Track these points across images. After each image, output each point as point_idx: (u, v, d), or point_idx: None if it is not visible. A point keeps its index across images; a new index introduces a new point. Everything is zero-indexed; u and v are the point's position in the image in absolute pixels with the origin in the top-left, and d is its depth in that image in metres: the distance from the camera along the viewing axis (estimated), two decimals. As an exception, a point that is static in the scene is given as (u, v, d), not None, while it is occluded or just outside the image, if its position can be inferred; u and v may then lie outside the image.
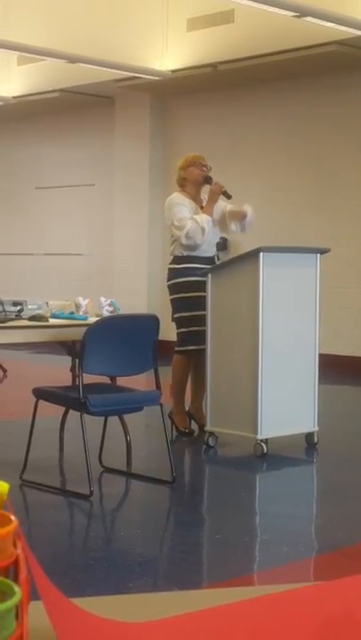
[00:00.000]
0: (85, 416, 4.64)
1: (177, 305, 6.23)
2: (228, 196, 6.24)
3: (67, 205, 12.93)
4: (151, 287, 11.55)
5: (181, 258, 6.20)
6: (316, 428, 5.94)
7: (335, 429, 6.73)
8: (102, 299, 5.58)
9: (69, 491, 4.79)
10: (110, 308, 5.53)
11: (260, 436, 5.60)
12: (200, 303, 5.93)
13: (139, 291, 11.62)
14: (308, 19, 8.13)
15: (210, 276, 5.83)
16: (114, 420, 5.41)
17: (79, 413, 4.66)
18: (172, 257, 6.31)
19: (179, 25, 10.24)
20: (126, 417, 5.46)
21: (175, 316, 6.25)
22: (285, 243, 9.03)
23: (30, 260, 13.36)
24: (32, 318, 5.16)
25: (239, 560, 3.79)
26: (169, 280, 6.30)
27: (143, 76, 10.44)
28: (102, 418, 5.18)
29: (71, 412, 5.34)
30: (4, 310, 5.10)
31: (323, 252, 6.01)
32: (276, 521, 4.37)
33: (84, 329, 4.73)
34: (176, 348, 6.27)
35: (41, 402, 4.89)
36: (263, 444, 5.60)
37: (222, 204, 6.35)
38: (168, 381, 6.05)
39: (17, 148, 13.56)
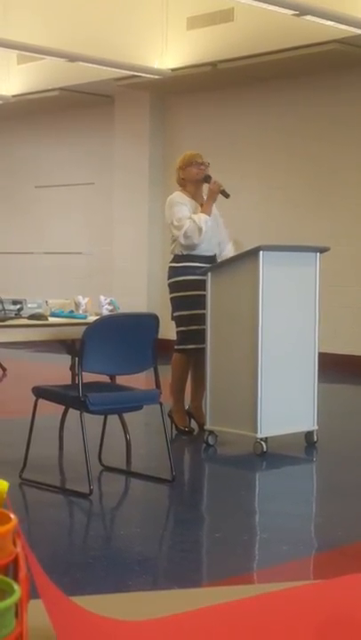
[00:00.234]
0: (85, 415, 4.64)
1: (177, 303, 6.23)
2: (227, 195, 6.23)
3: (66, 204, 12.92)
4: (151, 286, 11.55)
5: (181, 256, 6.21)
6: (316, 427, 5.94)
7: (335, 428, 6.74)
8: (102, 297, 5.58)
9: (69, 489, 4.79)
10: (110, 307, 5.53)
11: (259, 435, 5.60)
12: (200, 302, 5.93)
13: (138, 289, 11.62)
14: (308, 17, 8.13)
15: (209, 274, 5.83)
16: (113, 419, 5.41)
17: (79, 412, 4.66)
18: (172, 255, 6.31)
19: (178, 23, 10.24)
20: (126, 415, 5.46)
21: (175, 314, 6.25)
22: (285, 241, 9.02)
23: (30, 259, 13.36)
24: (32, 317, 5.16)
25: (239, 559, 3.79)
26: (169, 278, 6.31)
27: (143, 74, 10.43)
28: (102, 416, 5.19)
29: (71, 410, 5.34)
30: (3, 309, 5.10)
31: (322, 250, 6.01)
32: (276, 519, 4.37)
33: (84, 328, 4.73)
34: (176, 347, 6.27)
35: (41, 400, 4.89)
36: (263, 443, 5.60)
37: (220, 220, 6.35)
38: (168, 380, 6.05)
39: (16, 147, 13.56)
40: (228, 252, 6.27)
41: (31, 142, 13.34)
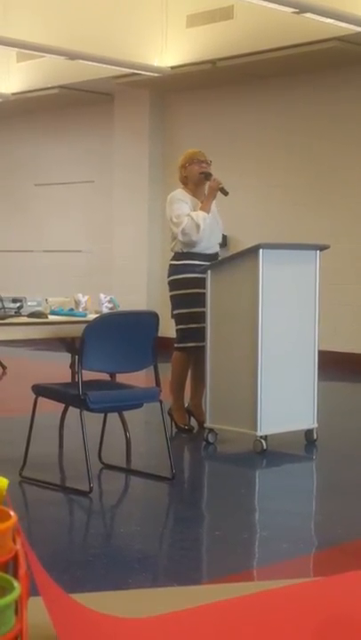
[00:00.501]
0: (85, 413, 4.64)
1: (177, 301, 6.24)
2: (226, 193, 6.24)
3: (66, 202, 12.92)
4: (151, 284, 11.55)
5: (182, 254, 6.21)
6: (316, 425, 5.94)
7: (335, 426, 6.74)
8: (102, 295, 5.58)
9: (69, 487, 4.79)
10: (110, 305, 5.53)
11: (259, 433, 5.60)
12: (200, 300, 5.93)
13: (138, 287, 11.61)
14: (308, 15, 8.12)
15: (209, 272, 5.83)
16: (113, 417, 5.41)
17: (79, 410, 4.66)
18: (172, 253, 6.31)
19: (178, 21, 10.23)
20: (126, 414, 5.46)
21: (175, 312, 6.25)
22: (285, 239, 9.03)
23: (30, 257, 13.36)
24: (31, 315, 5.16)
25: (239, 557, 3.79)
26: (169, 276, 6.31)
27: (143, 72, 10.43)
28: (102, 414, 5.19)
29: (71, 408, 5.33)
30: (3, 307, 5.10)
31: (322, 248, 6.01)
32: (276, 517, 4.37)
33: (84, 326, 4.73)
34: (176, 345, 6.27)
35: (40, 398, 4.89)
36: (263, 441, 5.61)
37: (220, 222, 6.35)
38: (168, 378, 6.06)
39: (16, 145, 13.56)
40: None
41: (31, 140, 13.33)
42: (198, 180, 6.29)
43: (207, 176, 6.27)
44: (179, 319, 6.24)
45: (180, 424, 6.28)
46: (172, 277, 6.27)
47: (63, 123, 12.87)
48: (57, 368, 7.03)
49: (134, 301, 10.37)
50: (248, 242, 5.96)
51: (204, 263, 6.01)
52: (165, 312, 6.17)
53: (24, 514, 4.34)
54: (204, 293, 5.87)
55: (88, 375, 4.79)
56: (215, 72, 10.22)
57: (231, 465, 5.59)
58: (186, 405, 6.38)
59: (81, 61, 10.11)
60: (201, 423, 6.16)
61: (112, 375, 5.28)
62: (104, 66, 10.20)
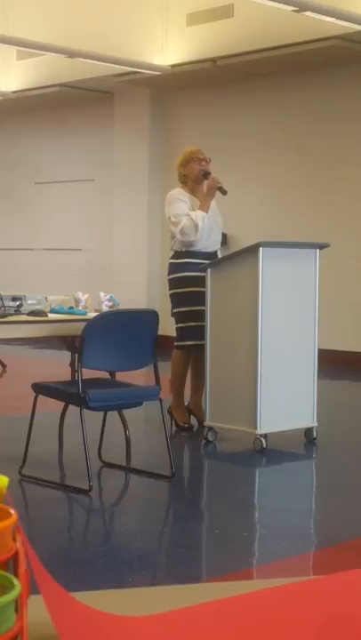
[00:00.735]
0: (85, 411, 4.64)
1: (176, 300, 6.24)
2: (224, 192, 6.23)
3: (66, 200, 12.92)
4: (150, 282, 11.55)
5: (181, 253, 6.21)
6: (316, 424, 5.95)
7: (334, 425, 6.74)
8: (101, 294, 5.58)
9: (69, 486, 4.79)
10: (109, 303, 5.53)
11: (259, 431, 5.60)
12: (199, 298, 5.93)
13: (138, 286, 11.62)
14: (308, 13, 8.12)
15: (209, 271, 5.83)
16: (113, 415, 5.41)
17: (79, 408, 4.66)
18: (172, 252, 6.31)
19: (178, 20, 10.23)
20: (126, 412, 5.46)
21: (175, 310, 6.26)
22: (285, 238, 9.04)
23: (29, 255, 13.36)
24: (31, 313, 5.16)
25: (238, 555, 3.79)
26: (169, 275, 6.31)
27: (143, 70, 10.42)
28: (102, 413, 5.19)
29: (71, 407, 5.34)
30: (3, 305, 5.09)
31: (322, 247, 6.01)
32: (276, 516, 4.37)
33: (84, 324, 4.73)
34: (175, 343, 6.27)
35: (40, 397, 4.89)
36: (262, 439, 5.61)
37: (220, 220, 6.35)
38: (167, 376, 6.06)
39: (16, 143, 13.55)
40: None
41: (31, 139, 13.33)
42: (197, 179, 6.28)
43: (206, 175, 6.27)
44: (179, 317, 6.24)
45: (180, 422, 6.29)
46: (171, 276, 6.27)
47: (63, 121, 12.86)
48: (57, 366, 7.03)
49: (134, 300, 10.38)
50: (248, 240, 5.96)
51: (204, 261, 6.01)
52: (165, 310, 6.17)
53: (24, 512, 4.34)
54: (203, 292, 5.87)
55: (88, 373, 4.79)
56: (215, 70, 10.22)
57: (231, 463, 5.59)
58: (186, 404, 6.38)
59: (81, 59, 10.10)
60: (201, 421, 6.16)
61: (112, 373, 5.28)
62: (104, 64, 10.20)
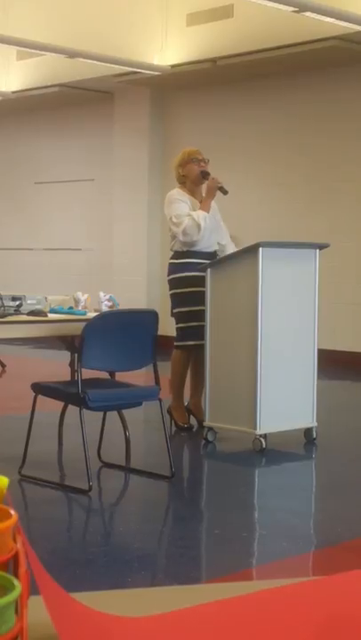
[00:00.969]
0: (84, 411, 4.64)
1: (176, 300, 6.24)
2: (225, 192, 6.23)
3: (66, 200, 12.92)
4: (150, 282, 11.55)
5: (181, 253, 6.21)
6: (315, 424, 5.95)
7: (334, 425, 6.74)
8: (101, 294, 5.58)
9: (68, 486, 4.79)
10: (109, 303, 5.53)
11: (258, 432, 5.60)
12: (199, 298, 5.93)
13: (138, 286, 11.61)
14: (308, 14, 8.12)
15: (209, 271, 5.83)
16: (113, 415, 5.41)
17: (78, 408, 4.66)
18: (172, 252, 6.31)
19: (178, 20, 10.23)
20: (125, 412, 5.46)
21: (175, 310, 6.26)
22: (285, 238, 9.03)
23: (29, 255, 13.36)
24: (31, 313, 5.16)
25: (238, 555, 3.79)
26: (169, 275, 6.31)
27: (143, 71, 10.42)
28: (101, 413, 5.19)
29: (70, 407, 5.34)
30: (2, 305, 5.09)
31: (322, 247, 6.01)
32: (275, 516, 4.37)
33: (83, 324, 4.73)
34: (175, 343, 6.27)
35: (40, 397, 4.89)
36: (262, 440, 5.61)
37: (219, 216, 6.34)
38: (167, 376, 6.06)
39: (16, 143, 13.55)
40: (232, 250, 6.24)
41: (31, 138, 13.33)
42: (197, 179, 6.28)
43: (205, 175, 6.27)
44: (178, 318, 6.24)
45: (180, 422, 6.29)
46: (171, 276, 6.27)
47: (63, 121, 12.86)
48: (56, 366, 7.03)
49: (134, 300, 10.37)
50: (248, 240, 5.95)
51: (204, 261, 6.01)
52: (165, 310, 6.17)
53: (23, 512, 4.34)
54: (203, 292, 5.87)
55: (87, 373, 4.79)
56: (215, 71, 10.22)
57: (231, 463, 5.59)
58: (185, 404, 6.38)
59: (81, 59, 10.10)
60: (200, 422, 6.16)
61: (111, 373, 5.28)
62: (104, 64, 10.20)
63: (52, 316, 5.23)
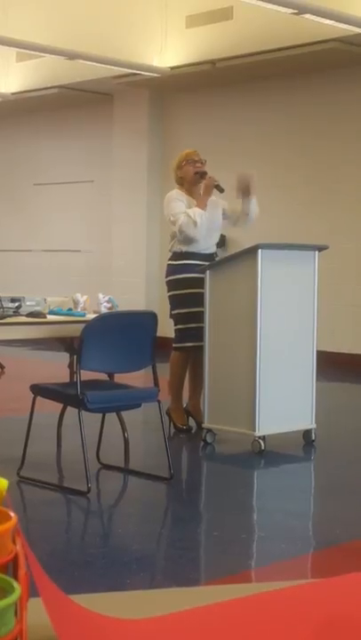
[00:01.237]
0: (83, 413, 4.64)
1: (175, 301, 6.24)
2: (221, 190, 6.24)
3: (65, 202, 12.92)
4: (149, 284, 11.55)
5: (180, 254, 6.21)
6: (314, 425, 5.95)
7: (333, 426, 6.74)
8: (100, 295, 5.58)
9: (67, 487, 4.79)
10: (108, 305, 5.53)
11: (257, 433, 5.60)
12: (198, 300, 5.93)
13: (137, 287, 11.61)
14: (307, 16, 8.13)
15: (208, 272, 5.83)
16: (112, 417, 5.41)
17: (77, 410, 4.66)
18: (170, 253, 6.32)
19: (178, 22, 10.23)
20: (124, 413, 5.46)
21: (173, 312, 6.26)
22: (284, 239, 9.02)
23: (28, 257, 13.36)
24: (30, 315, 5.15)
25: (237, 557, 3.79)
26: (167, 276, 6.31)
27: (142, 72, 10.43)
28: (100, 414, 5.19)
29: (69, 408, 5.33)
30: (1, 306, 5.09)
31: (321, 248, 6.01)
32: (274, 517, 4.37)
33: (82, 325, 4.73)
34: (174, 345, 6.27)
35: (39, 398, 4.88)
36: (261, 441, 5.61)
37: (221, 202, 6.36)
38: (166, 378, 6.05)
39: (15, 145, 13.56)
40: (254, 208, 6.30)
41: (30, 140, 13.33)
42: (193, 180, 6.30)
43: (202, 175, 6.29)
44: (177, 319, 6.24)
45: (179, 424, 6.28)
46: (170, 277, 6.27)
47: (63, 122, 12.87)
48: (55, 368, 7.03)
49: (133, 301, 10.37)
50: (247, 241, 5.95)
51: (203, 263, 6.01)
52: (164, 312, 6.17)
53: (22, 514, 4.34)
54: (202, 293, 5.87)
55: (86, 375, 4.79)
56: (214, 72, 10.22)
57: (229, 465, 5.59)
58: (184, 405, 6.38)
59: (80, 61, 10.11)
60: (199, 423, 6.16)
61: (110, 375, 5.28)
62: (104, 66, 10.21)
63: (51, 318, 5.23)
